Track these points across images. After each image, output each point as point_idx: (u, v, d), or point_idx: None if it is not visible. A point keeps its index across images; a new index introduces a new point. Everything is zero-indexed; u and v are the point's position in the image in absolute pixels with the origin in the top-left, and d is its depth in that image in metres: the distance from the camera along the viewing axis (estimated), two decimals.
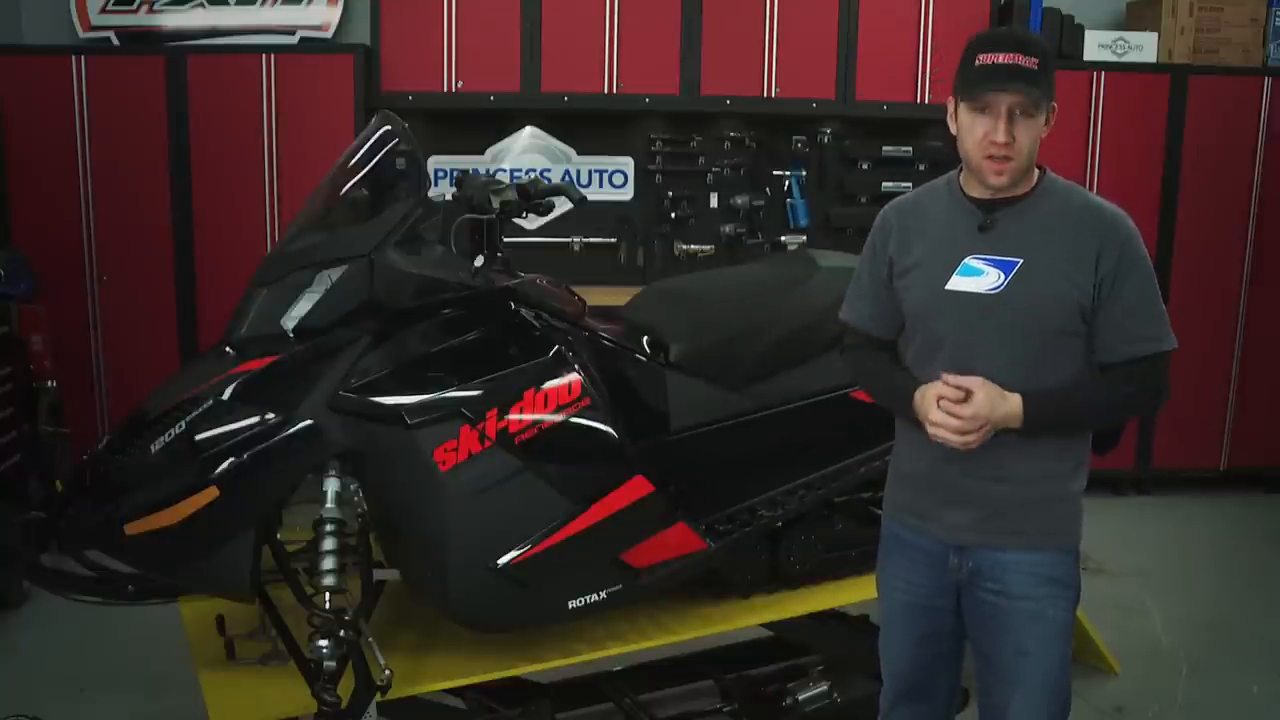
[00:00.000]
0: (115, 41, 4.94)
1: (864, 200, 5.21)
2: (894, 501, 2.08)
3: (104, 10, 4.94)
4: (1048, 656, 1.91)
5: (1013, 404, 1.81)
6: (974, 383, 1.81)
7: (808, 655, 3.02)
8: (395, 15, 4.79)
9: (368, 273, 2.34)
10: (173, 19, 4.96)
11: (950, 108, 1.90)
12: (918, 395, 1.88)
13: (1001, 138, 1.79)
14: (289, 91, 4.76)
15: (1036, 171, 1.91)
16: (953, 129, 1.90)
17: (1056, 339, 1.85)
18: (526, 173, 5.11)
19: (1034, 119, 1.81)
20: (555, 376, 2.39)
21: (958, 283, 1.89)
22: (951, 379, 1.83)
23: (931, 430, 1.85)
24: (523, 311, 2.49)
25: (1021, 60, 1.77)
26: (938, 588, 1.99)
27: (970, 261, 1.88)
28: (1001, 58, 1.78)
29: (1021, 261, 1.85)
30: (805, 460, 2.73)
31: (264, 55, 4.76)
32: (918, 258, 1.95)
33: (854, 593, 2.82)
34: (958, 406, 1.81)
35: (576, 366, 2.43)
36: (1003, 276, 1.85)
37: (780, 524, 2.72)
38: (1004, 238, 1.87)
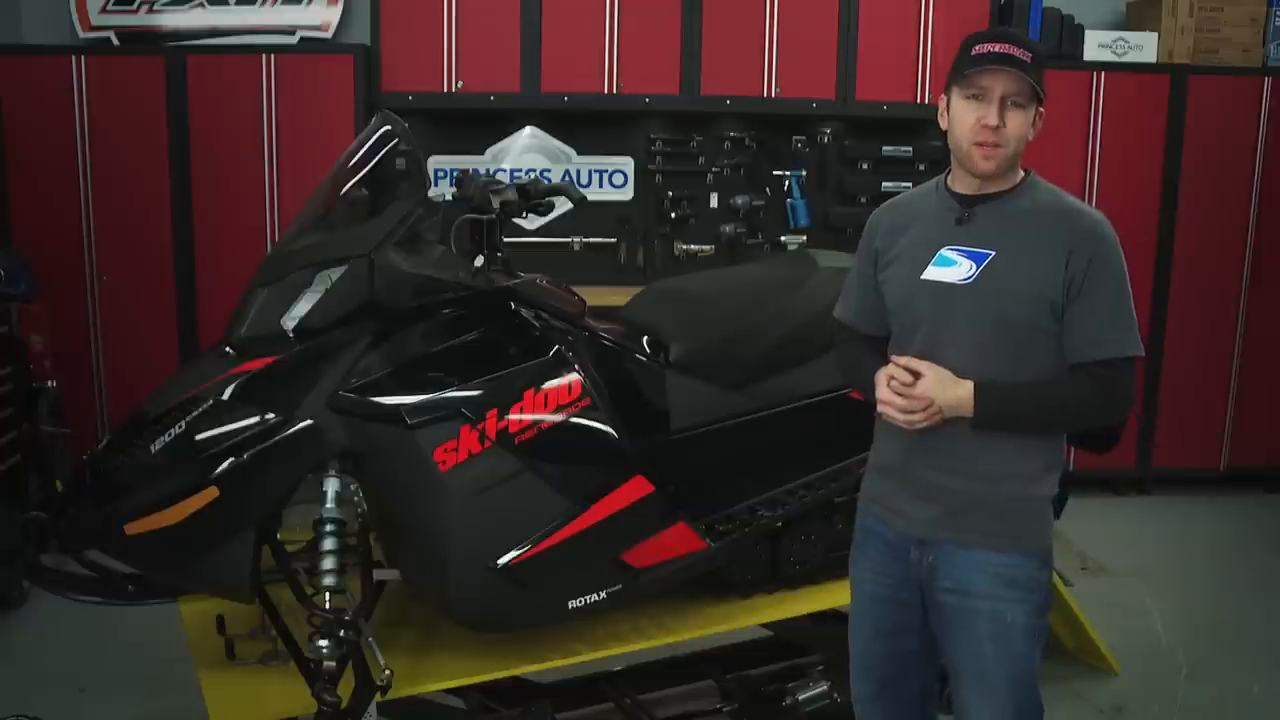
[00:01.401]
0: (115, 41, 4.94)
1: (864, 200, 5.20)
2: (866, 493, 2.11)
3: (104, 10, 4.95)
4: (1008, 659, 1.91)
5: (964, 389, 1.84)
6: (923, 365, 1.87)
7: (808, 655, 3.02)
8: (395, 15, 4.79)
9: (368, 273, 2.34)
10: (173, 19, 4.96)
11: (942, 105, 1.95)
12: (876, 377, 1.92)
13: (993, 120, 1.84)
14: (289, 91, 4.76)
15: (1021, 172, 1.94)
16: (943, 124, 1.95)
17: (1026, 333, 1.87)
18: (526, 173, 5.11)
19: (1024, 110, 1.86)
20: (555, 376, 2.39)
21: (932, 273, 1.93)
22: (901, 360, 1.89)
23: (880, 409, 1.92)
24: (523, 311, 2.49)
25: (1016, 51, 1.84)
26: (903, 580, 2.01)
27: (946, 252, 1.93)
28: (997, 47, 1.84)
29: (993, 254, 1.88)
30: (805, 460, 2.73)
31: (264, 55, 4.76)
32: (900, 250, 2.00)
33: None
34: (906, 387, 1.86)
35: (576, 366, 2.43)
36: (974, 267, 1.89)
37: (780, 524, 2.72)
38: (980, 231, 1.91)
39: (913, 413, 1.86)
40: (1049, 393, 1.90)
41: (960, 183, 1.96)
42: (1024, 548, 1.93)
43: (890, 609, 2.05)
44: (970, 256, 1.90)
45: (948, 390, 1.85)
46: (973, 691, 1.95)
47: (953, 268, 1.91)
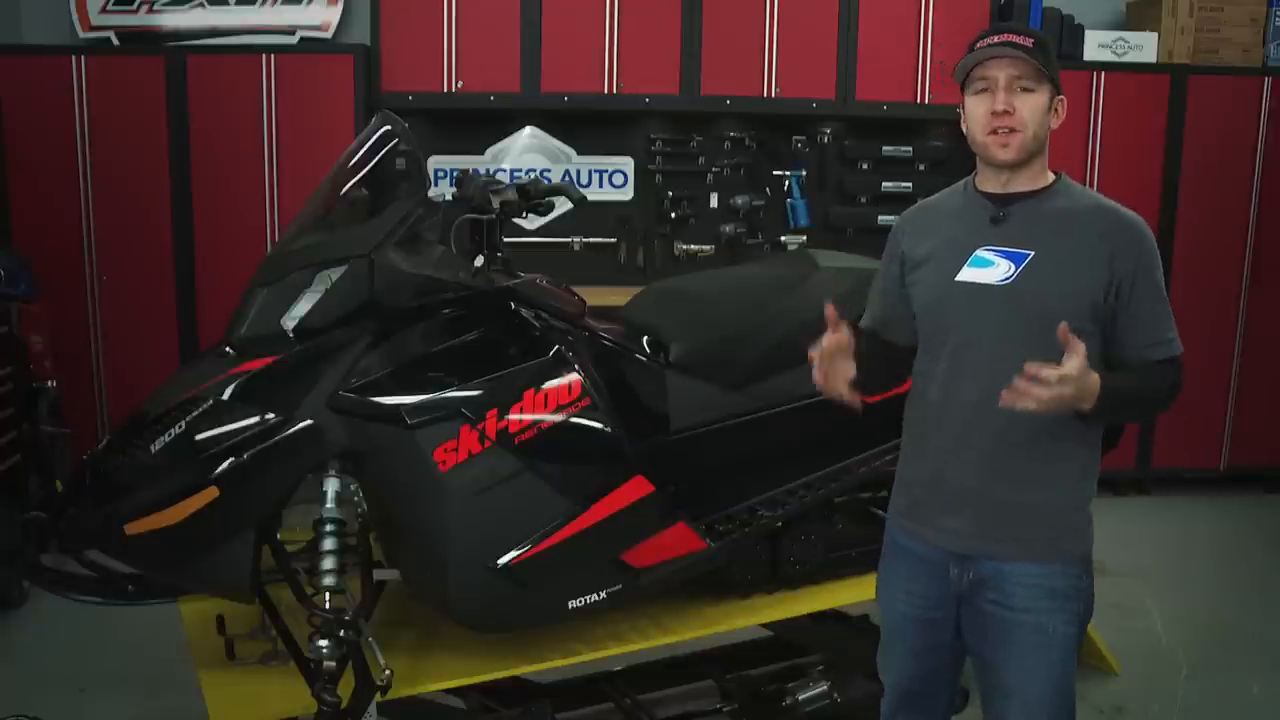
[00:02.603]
0: (115, 41, 4.95)
1: (864, 200, 5.22)
2: (895, 506, 2.07)
3: (104, 10, 4.95)
4: (1048, 670, 1.89)
5: (1095, 378, 1.70)
6: (1077, 354, 1.67)
7: (808, 655, 3.02)
8: (395, 15, 4.79)
9: (368, 273, 2.34)
10: (173, 19, 4.97)
11: (961, 112, 1.92)
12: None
13: (1000, 105, 1.82)
14: (289, 91, 4.76)
15: (1051, 174, 1.91)
16: (965, 129, 1.92)
17: None
18: (526, 173, 5.12)
19: (1033, 94, 1.84)
20: (555, 376, 2.39)
21: (968, 274, 1.88)
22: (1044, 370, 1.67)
23: (1008, 395, 1.67)
24: (523, 311, 2.49)
25: (1016, 39, 1.83)
26: (938, 598, 1.97)
27: (981, 253, 1.88)
28: (996, 38, 1.85)
29: (1033, 254, 1.84)
30: (805, 460, 2.73)
31: (264, 55, 4.76)
32: (928, 252, 1.96)
33: (854, 593, 2.82)
34: (1056, 374, 1.65)
35: (576, 366, 2.43)
36: (1013, 268, 1.85)
37: (780, 524, 2.72)
38: (1016, 230, 1.87)
39: (1050, 390, 1.65)
40: (1146, 383, 1.87)
41: (988, 182, 1.92)
42: (1063, 555, 1.89)
43: (922, 629, 2.01)
44: (1008, 257, 1.86)
45: (1088, 376, 1.68)
46: (1010, 700, 1.92)
47: (989, 268, 1.86)
